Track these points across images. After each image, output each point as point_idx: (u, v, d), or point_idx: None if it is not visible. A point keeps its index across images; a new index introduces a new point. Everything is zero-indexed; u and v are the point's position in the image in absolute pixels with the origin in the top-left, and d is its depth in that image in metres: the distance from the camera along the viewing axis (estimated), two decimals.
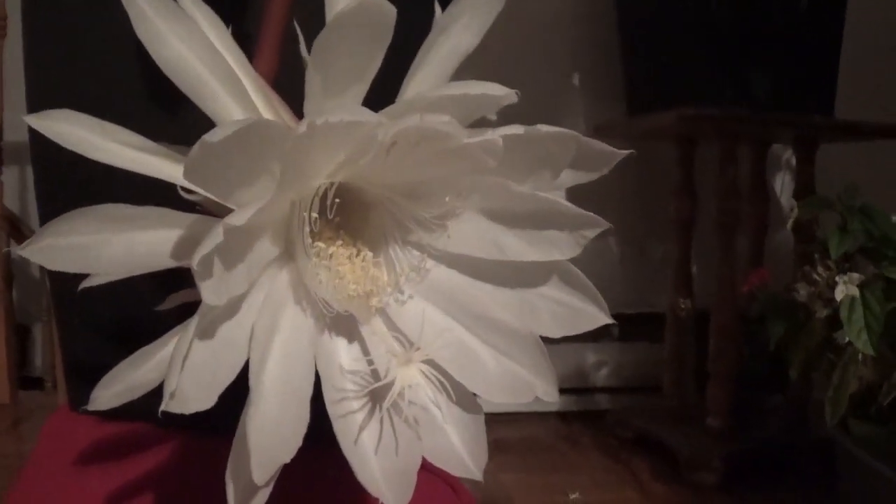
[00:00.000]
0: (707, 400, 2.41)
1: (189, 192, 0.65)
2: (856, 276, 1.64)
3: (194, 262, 0.54)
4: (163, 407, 0.57)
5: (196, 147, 0.53)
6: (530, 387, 0.70)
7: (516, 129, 0.63)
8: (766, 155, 2.59)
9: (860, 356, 1.63)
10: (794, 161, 2.60)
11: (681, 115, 2.24)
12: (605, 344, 2.90)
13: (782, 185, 3.02)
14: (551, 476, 2.35)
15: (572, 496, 2.20)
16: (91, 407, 0.66)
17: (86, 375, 0.70)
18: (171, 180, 0.65)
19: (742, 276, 2.34)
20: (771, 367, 2.34)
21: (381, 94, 0.65)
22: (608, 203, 1.57)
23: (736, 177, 2.35)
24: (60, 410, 1.00)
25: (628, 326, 2.86)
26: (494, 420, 0.72)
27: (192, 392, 0.59)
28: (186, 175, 0.55)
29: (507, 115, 0.66)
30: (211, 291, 0.56)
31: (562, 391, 0.72)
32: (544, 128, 0.64)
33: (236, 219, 0.56)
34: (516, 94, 0.61)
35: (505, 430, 2.52)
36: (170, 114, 0.80)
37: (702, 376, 2.48)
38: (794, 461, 2.43)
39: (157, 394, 0.59)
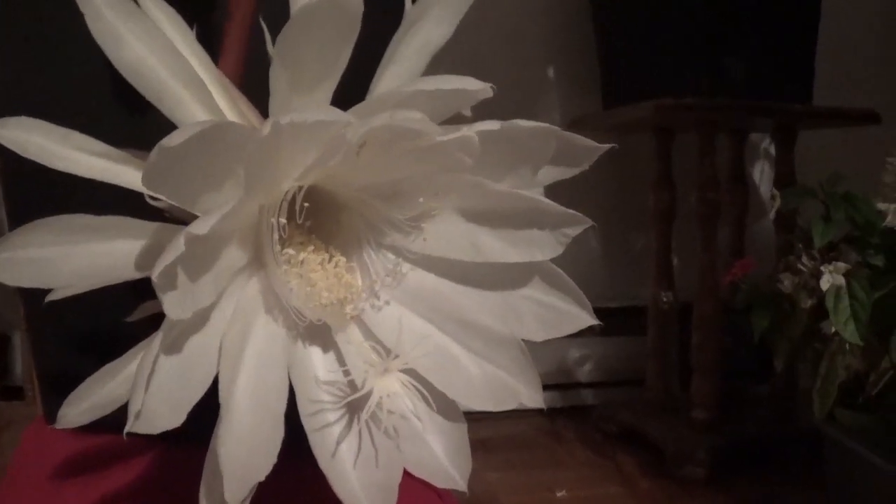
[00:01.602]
0: (691, 392, 2.39)
1: (156, 198, 0.63)
2: (841, 265, 1.63)
3: (155, 275, 0.51)
4: (128, 428, 0.55)
5: (154, 152, 0.50)
6: (514, 393, 0.68)
7: (492, 125, 0.60)
8: (745, 144, 2.58)
9: (847, 346, 1.62)
10: (773, 149, 2.60)
11: (658, 107, 2.22)
12: (588, 338, 2.89)
13: (762, 173, 3.01)
14: (537, 473, 2.33)
15: (559, 493, 2.18)
16: (59, 425, 0.64)
17: (61, 387, 0.67)
18: (136, 188, 0.62)
19: (724, 266, 2.33)
20: (756, 357, 2.33)
21: (354, 88, 0.63)
22: (587, 196, 1.55)
23: (715, 167, 2.34)
24: (37, 423, 0.98)
25: (611, 320, 2.84)
26: (478, 418, 0.71)
27: (160, 410, 0.56)
28: (145, 182, 0.52)
29: (481, 111, 0.64)
30: (175, 305, 0.54)
31: (546, 387, 0.70)
32: (522, 123, 0.61)
33: (198, 227, 0.53)
34: (491, 87, 0.59)
35: (489, 428, 2.50)
36: (140, 117, 0.77)
37: (686, 369, 2.46)
38: (780, 452, 2.42)
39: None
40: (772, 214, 1.96)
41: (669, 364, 2.61)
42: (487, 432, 2.49)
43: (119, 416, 0.61)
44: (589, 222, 0.66)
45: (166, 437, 0.72)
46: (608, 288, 2.90)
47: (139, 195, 0.62)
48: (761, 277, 1.99)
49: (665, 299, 2.51)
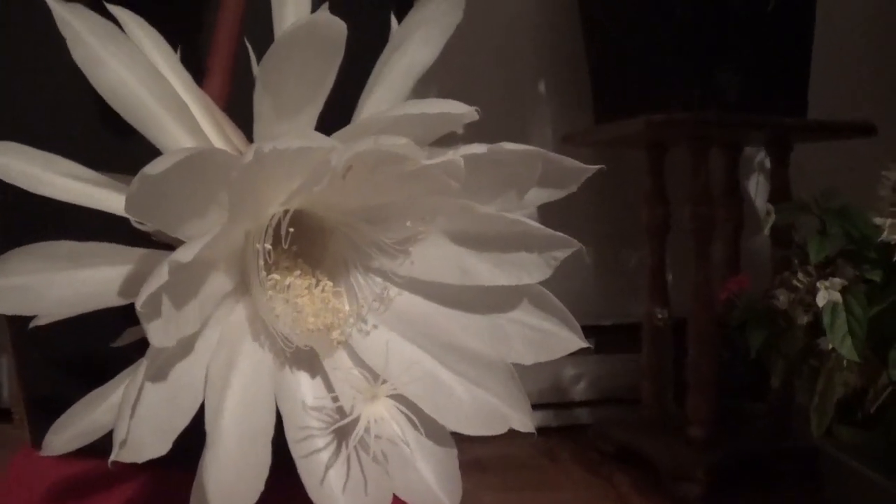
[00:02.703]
0: (688, 410, 2.39)
1: (141, 222, 0.63)
2: (837, 281, 1.63)
3: (139, 305, 0.51)
4: (113, 457, 0.55)
5: (136, 180, 0.50)
6: (504, 418, 0.68)
7: (478, 149, 0.61)
8: (739, 158, 2.58)
9: (844, 362, 1.62)
10: (767, 163, 2.60)
11: (649, 122, 2.22)
12: (582, 357, 2.89)
13: (756, 187, 3.01)
14: (532, 494, 2.33)
15: None
16: (45, 453, 0.64)
17: (48, 413, 0.67)
18: (120, 213, 0.62)
19: (719, 282, 2.33)
20: (752, 374, 2.33)
21: (341, 109, 0.63)
22: (579, 212, 1.56)
23: (708, 182, 2.34)
24: (25, 448, 0.98)
25: (605, 338, 2.84)
26: (471, 438, 0.70)
27: (145, 439, 0.56)
28: (129, 210, 0.53)
29: (471, 128, 0.64)
30: (159, 333, 0.54)
31: (540, 406, 0.71)
32: (508, 146, 0.62)
33: (182, 255, 0.53)
34: (476, 111, 0.59)
35: (482, 449, 2.50)
36: (125, 140, 0.77)
37: (681, 386, 2.46)
38: (778, 469, 2.41)
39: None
40: (766, 230, 1.96)
41: (665, 381, 2.60)
42: (481, 452, 2.48)
43: (109, 439, 0.62)
44: (577, 245, 0.66)
45: (154, 462, 0.72)
46: (601, 305, 2.90)
47: (125, 219, 0.62)
48: (757, 293, 1.99)
49: (660, 316, 2.51)
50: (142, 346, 0.60)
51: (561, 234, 0.66)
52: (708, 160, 2.35)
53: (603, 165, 0.66)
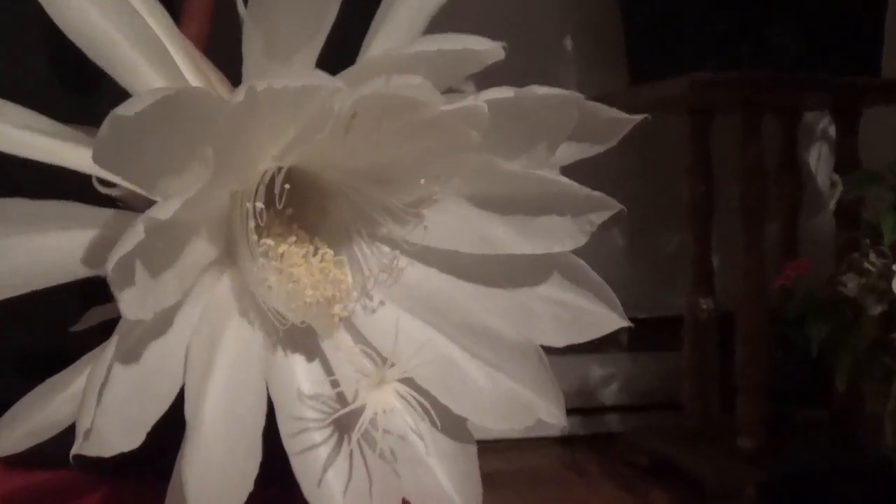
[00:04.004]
0: (736, 417, 2.39)
1: (108, 184, 0.63)
2: None
3: (109, 267, 0.51)
4: (76, 449, 0.54)
5: (106, 123, 0.50)
6: (531, 408, 0.68)
7: (505, 93, 0.61)
8: (798, 125, 2.57)
9: None
10: (832, 131, 2.59)
11: (693, 82, 2.22)
12: (612, 355, 2.89)
13: (818, 160, 3.01)
14: None
15: None
16: None
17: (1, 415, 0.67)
18: (85, 170, 0.62)
19: (773, 269, 2.33)
20: (812, 375, 2.32)
21: (341, 52, 0.63)
22: (609, 189, 1.55)
23: (761, 153, 2.33)
24: None
25: (639, 333, 2.83)
26: (485, 448, 0.70)
27: (113, 430, 0.56)
28: (96, 158, 0.52)
29: (484, 87, 0.64)
30: (133, 303, 0.54)
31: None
32: (539, 90, 0.61)
33: (161, 211, 0.53)
34: (503, 47, 0.59)
35: (498, 461, 2.50)
36: (89, 91, 0.77)
37: (728, 389, 2.46)
38: (843, 487, 2.41)
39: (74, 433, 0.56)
40: (831, 205, 1.96)
41: (709, 384, 2.60)
42: (495, 465, 2.48)
43: (64, 446, 0.61)
44: (618, 206, 0.66)
45: (120, 471, 0.71)
46: (635, 296, 2.89)
47: (88, 184, 0.62)
48: (818, 281, 1.99)
49: (704, 307, 2.51)
50: (104, 333, 0.59)
51: (598, 194, 0.65)
52: (761, 128, 2.34)
53: (647, 115, 0.66)
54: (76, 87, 0.79)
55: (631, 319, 0.69)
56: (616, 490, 2.47)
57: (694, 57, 2.29)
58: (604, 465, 2.62)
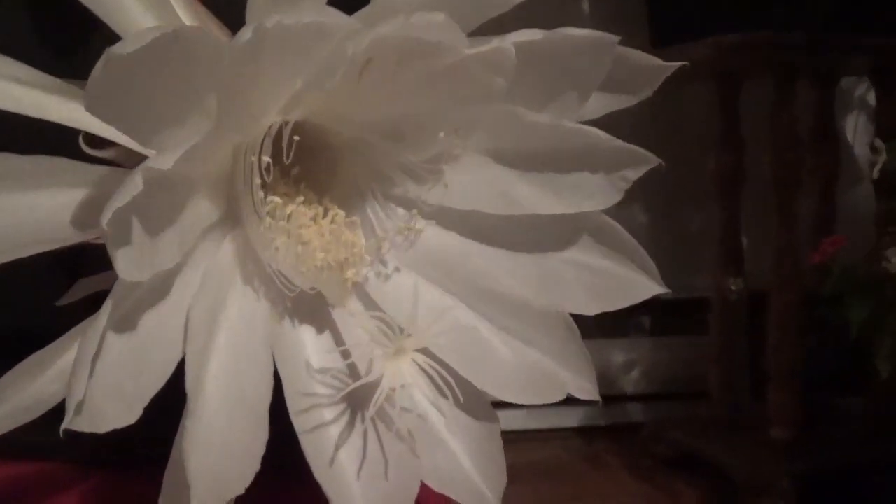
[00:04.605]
0: (768, 406, 2.39)
1: (99, 144, 0.62)
2: None
3: (104, 220, 0.50)
4: (66, 423, 0.53)
5: (100, 63, 0.49)
6: (558, 382, 0.67)
7: (533, 35, 0.60)
8: (835, 91, 2.57)
9: None
10: (870, 98, 2.59)
11: (720, 45, 2.22)
12: (634, 339, 2.89)
13: (856, 127, 3.00)
14: None
15: None
16: None
17: None
18: (76, 125, 0.61)
19: (807, 245, 2.32)
20: (850, 360, 2.32)
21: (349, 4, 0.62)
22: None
23: (795, 120, 2.33)
24: None
25: (663, 317, 2.84)
26: None
27: (108, 403, 0.55)
28: (89, 104, 0.51)
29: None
30: (128, 263, 0.53)
31: (583, 401, 0.70)
32: (570, 31, 0.61)
33: (161, 161, 0.52)
34: None
35: (512, 453, 2.48)
36: (78, 46, 0.76)
37: (760, 376, 2.46)
38: (882, 480, 2.41)
39: (61, 418, 0.55)
40: (875, 173, 1.95)
41: (738, 370, 2.61)
42: (508, 457, 2.46)
43: (49, 434, 0.60)
44: (656, 160, 0.65)
45: (110, 462, 0.70)
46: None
47: (75, 143, 0.61)
48: (858, 258, 1.98)
49: (733, 288, 2.50)
50: (96, 308, 0.58)
51: (633, 147, 0.65)
52: (794, 94, 2.33)
53: (686, 62, 0.65)
54: (62, 44, 0.78)
55: (653, 302, 0.68)
56: (638, 484, 2.47)
57: (720, 18, 2.28)
58: (625, 458, 2.63)
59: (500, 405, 0.67)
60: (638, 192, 0.66)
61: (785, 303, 2.33)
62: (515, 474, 2.11)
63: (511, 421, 2.54)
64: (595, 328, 2.71)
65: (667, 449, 2.59)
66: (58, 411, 0.55)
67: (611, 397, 2.87)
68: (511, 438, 2.29)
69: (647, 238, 2.97)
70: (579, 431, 2.77)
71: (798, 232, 2.34)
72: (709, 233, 2.63)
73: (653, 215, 2.96)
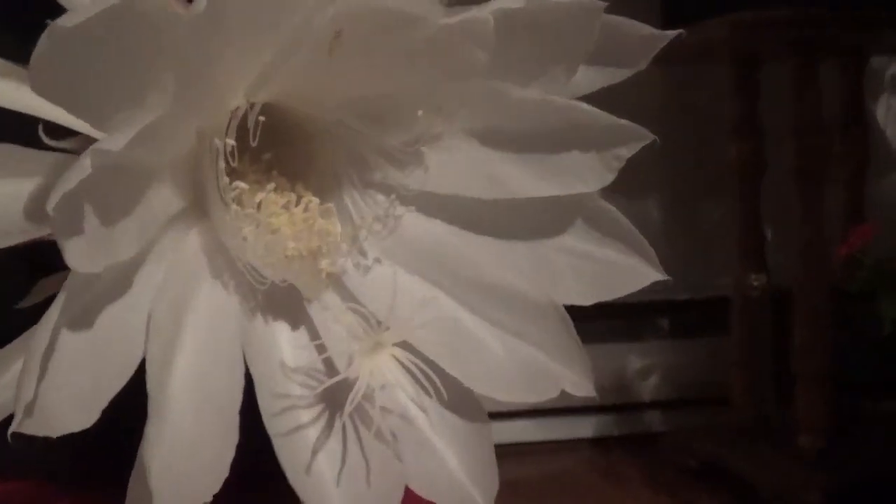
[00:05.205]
0: (795, 412, 2.39)
1: (56, 135, 0.62)
2: None
3: (49, 206, 0.50)
4: (14, 427, 0.53)
5: (43, 38, 0.49)
6: (554, 378, 0.67)
7: (514, 2, 0.60)
8: (863, 72, 2.56)
9: None
10: None
11: (736, 23, 2.21)
12: (651, 342, 2.89)
13: (887, 110, 2.99)
14: None
15: None
16: None
17: None
18: (27, 111, 0.61)
19: (835, 238, 2.32)
20: (882, 361, 2.32)
21: None
22: (640, 150, 1.54)
23: (820, 103, 2.32)
24: None
25: (681, 318, 2.84)
26: (507, 452, 0.69)
27: (61, 405, 0.55)
28: (34, 83, 0.51)
29: None
30: (79, 254, 0.52)
31: (595, 410, 0.69)
32: None
33: (111, 143, 0.52)
34: None
35: (523, 466, 2.50)
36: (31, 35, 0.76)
37: (785, 379, 2.45)
38: None
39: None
40: None
41: (762, 373, 2.60)
42: (519, 471, 2.47)
43: (13, 452, 0.60)
44: (650, 136, 0.65)
45: (81, 480, 0.70)
46: (674, 275, 2.86)
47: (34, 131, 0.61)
48: (890, 250, 1.98)
49: (755, 284, 2.50)
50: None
51: (626, 122, 0.64)
52: (819, 76, 2.33)
53: (683, 31, 0.65)
54: (20, 28, 0.78)
55: (671, 302, 0.69)
56: (657, 498, 2.47)
57: None
58: (643, 470, 2.63)
59: (507, 415, 0.67)
60: (651, 185, 0.66)
61: (812, 299, 2.32)
62: (529, 488, 2.12)
63: (519, 432, 2.54)
64: (608, 331, 2.70)
65: (687, 460, 2.59)
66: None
67: (626, 405, 2.87)
68: (519, 450, 2.30)
69: (662, 234, 2.97)
70: (593, 442, 2.76)
71: (824, 224, 2.33)
72: (728, 227, 2.62)
73: (668, 210, 2.96)
